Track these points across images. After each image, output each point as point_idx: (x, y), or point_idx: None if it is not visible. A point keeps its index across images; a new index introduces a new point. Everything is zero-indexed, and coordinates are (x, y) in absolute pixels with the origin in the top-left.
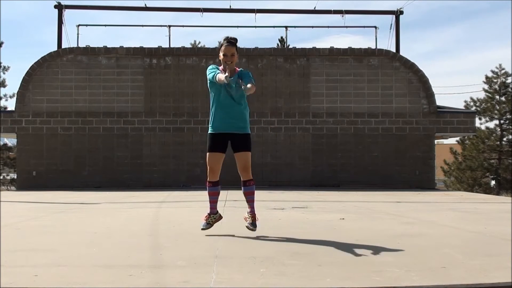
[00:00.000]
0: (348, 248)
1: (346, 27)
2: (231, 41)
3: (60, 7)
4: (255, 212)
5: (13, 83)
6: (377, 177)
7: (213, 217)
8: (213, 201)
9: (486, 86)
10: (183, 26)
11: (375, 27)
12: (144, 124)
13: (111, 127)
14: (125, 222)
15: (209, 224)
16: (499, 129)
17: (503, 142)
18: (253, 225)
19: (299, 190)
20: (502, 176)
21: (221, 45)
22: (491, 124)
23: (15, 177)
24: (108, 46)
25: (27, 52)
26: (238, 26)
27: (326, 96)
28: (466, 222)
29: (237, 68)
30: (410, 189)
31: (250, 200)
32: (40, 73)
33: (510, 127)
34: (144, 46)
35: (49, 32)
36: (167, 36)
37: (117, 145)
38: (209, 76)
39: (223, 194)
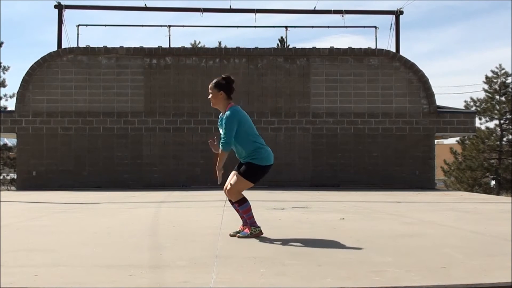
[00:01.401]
0: (348, 248)
1: (346, 27)
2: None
3: (60, 7)
4: (246, 224)
5: (13, 83)
6: (377, 177)
7: (254, 230)
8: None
9: (486, 86)
10: (183, 26)
11: (375, 27)
12: (144, 124)
13: (111, 127)
14: (125, 222)
15: (251, 234)
16: (499, 129)
17: (503, 142)
18: (241, 233)
19: (299, 190)
20: (502, 176)
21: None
22: (491, 124)
23: (15, 177)
24: (108, 46)
25: (27, 52)
26: (238, 26)
27: (326, 96)
28: (466, 222)
29: (229, 106)
30: (410, 189)
31: (241, 217)
32: (40, 73)
33: (510, 127)
34: (144, 46)
35: (49, 32)
36: (167, 36)
37: (117, 145)
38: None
39: (224, 195)
